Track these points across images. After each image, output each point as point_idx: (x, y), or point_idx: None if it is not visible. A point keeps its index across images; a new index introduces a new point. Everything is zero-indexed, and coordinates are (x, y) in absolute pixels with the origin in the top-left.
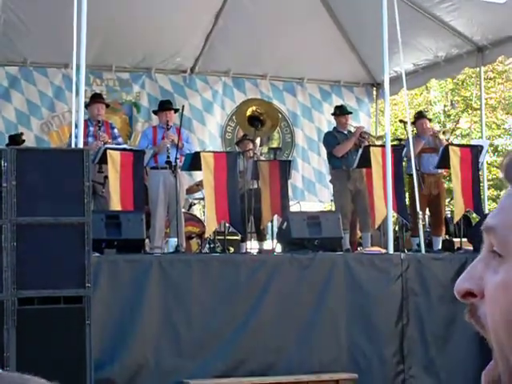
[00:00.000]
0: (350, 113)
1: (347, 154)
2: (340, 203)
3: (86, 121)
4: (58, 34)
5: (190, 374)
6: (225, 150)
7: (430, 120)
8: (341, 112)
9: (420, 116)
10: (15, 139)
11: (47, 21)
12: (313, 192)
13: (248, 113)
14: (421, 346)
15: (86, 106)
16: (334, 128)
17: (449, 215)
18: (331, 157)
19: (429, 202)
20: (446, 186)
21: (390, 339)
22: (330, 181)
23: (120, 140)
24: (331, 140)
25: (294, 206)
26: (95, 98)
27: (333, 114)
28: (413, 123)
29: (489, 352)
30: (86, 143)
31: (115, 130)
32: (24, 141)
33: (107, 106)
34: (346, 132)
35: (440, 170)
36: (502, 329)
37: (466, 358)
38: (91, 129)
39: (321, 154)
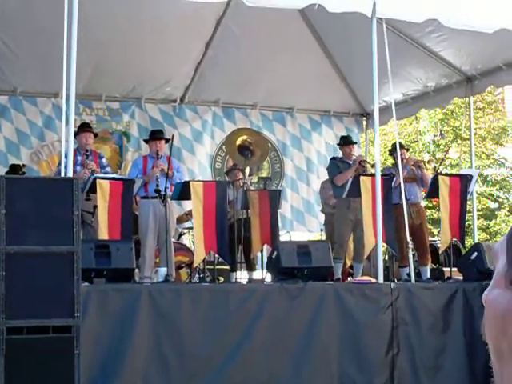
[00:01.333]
0: (355, 143)
1: (347, 182)
2: (339, 231)
3: (74, 150)
4: (47, 64)
5: None
6: (214, 180)
7: (407, 150)
8: (345, 142)
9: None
10: (15, 169)
11: (37, 50)
12: (301, 222)
13: (238, 142)
14: (411, 376)
15: (75, 135)
16: (340, 157)
17: (438, 244)
18: (333, 185)
19: (412, 231)
20: (435, 215)
21: (381, 369)
22: (322, 210)
23: (108, 169)
24: (333, 169)
25: (283, 236)
26: (83, 128)
27: (338, 144)
28: (390, 154)
29: (478, 381)
30: (74, 172)
31: (103, 160)
32: (24, 173)
33: (95, 135)
34: (350, 162)
35: (420, 200)
36: None
37: None
38: (79, 158)
39: (310, 184)
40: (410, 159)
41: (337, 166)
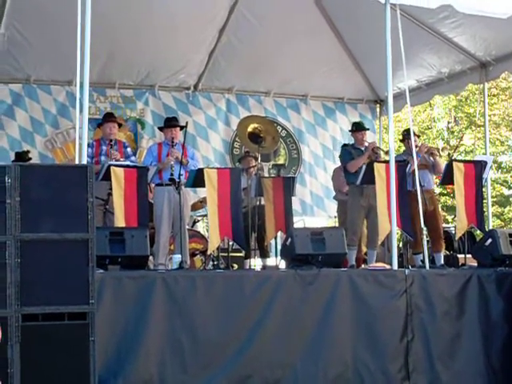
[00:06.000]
0: (367, 129)
1: (360, 169)
2: (351, 218)
3: (99, 140)
4: (61, 52)
5: None
6: (231, 166)
7: (418, 136)
8: (357, 128)
9: (408, 134)
10: (21, 156)
11: (51, 38)
12: (322, 207)
13: (249, 129)
14: (426, 362)
15: (99, 125)
16: (352, 144)
17: (453, 231)
18: (346, 172)
19: (425, 218)
20: (449, 202)
21: (395, 355)
22: (334, 197)
23: (133, 158)
24: (346, 155)
25: (297, 223)
26: (107, 118)
27: (350, 131)
28: (401, 141)
29: (494, 368)
30: (98, 162)
31: (128, 149)
32: (30, 158)
33: (119, 125)
34: (362, 148)
35: (433, 186)
36: None
37: (472, 373)
38: (104, 148)
39: (327, 170)
40: (423, 146)
41: (349, 152)
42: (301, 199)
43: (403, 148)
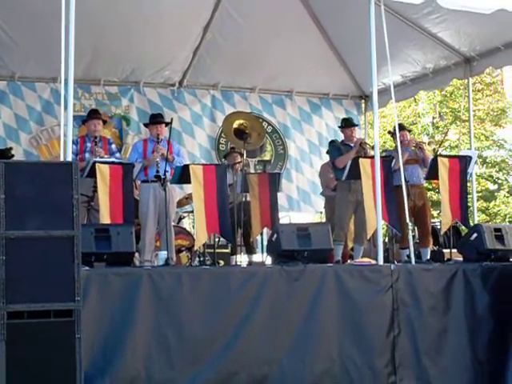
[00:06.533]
0: (356, 125)
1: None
2: (339, 214)
3: (83, 136)
4: (45, 49)
5: None
6: (217, 163)
7: (409, 131)
8: (347, 124)
9: (400, 128)
10: (4, 153)
11: (35, 35)
12: (308, 202)
13: (235, 126)
14: (413, 357)
15: (84, 121)
16: (341, 140)
17: (438, 226)
18: (334, 168)
19: (414, 213)
20: (435, 197)
21: (382, 350)
22: (321, 193)
23: (118, 155)
24: (334, 151)
25: (284, 218)
26: (92, 114)
27: (339, 127)
28: (391, 136)
29: (480, 362)
30: (82, 159)
31: (113, 146)
32: (13, 155)
33: (104, 122)
34: (352, 144)
35: (422, 181)
36: None
37: (458, 368)
38: (88, 144)
39: (313, 166)
40: (411, 141)
41: (338, 148)
42: (287, 195)
43: (388, 143)
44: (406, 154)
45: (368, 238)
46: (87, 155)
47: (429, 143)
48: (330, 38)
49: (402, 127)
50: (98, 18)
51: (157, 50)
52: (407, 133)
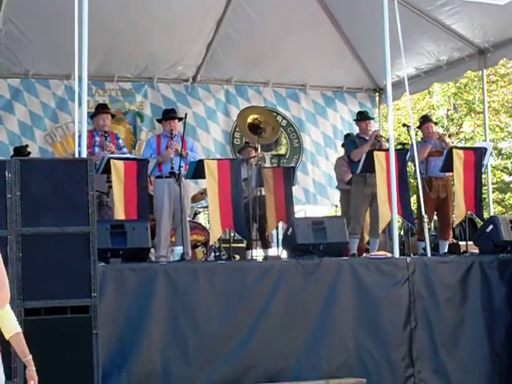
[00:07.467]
0: (372, 118)
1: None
2: (355, 207)
3: (91, 131)
4: (59, 46)
5: (198, 381)
6: (231, 157)
7: (435, 124)
8: (362, 117)
9: (425, 120)
10: (20, 151)
11: (48, 32)
12: (324, 195)
13: (249, 120)
14: (430, 350)
15: (92, 116)
16: (357, 134)
17: (453, 218)
18: (350, 161)
19: (436, 205)
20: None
21: (399, 343)
22: (337, 187)
23: (125, 150)
24: (349, 145)
25: (299, 212)
26: (100, 109)
27: (354, 120)
28: (418, 127)
29: (498, 354)
30: (91, 153)
31: (120, 141)
32: (30, 153)
33: (113, 116)
34: (367, 137)
35: (447, 174)
36: None
37: (476, 360)
38: (97, 139)
39: (329, 159)
40: (435, 133)
41: (353, 141)
42: (304, 188)
43: (403, 136)
44: (430, 146)
45: (381, 230)
46: (96, 149)
47: (450, 135)
48: (344, 30)
49: (426, 119)
50: (111, 14)
51: (170, 46)
52: (433, 125)
